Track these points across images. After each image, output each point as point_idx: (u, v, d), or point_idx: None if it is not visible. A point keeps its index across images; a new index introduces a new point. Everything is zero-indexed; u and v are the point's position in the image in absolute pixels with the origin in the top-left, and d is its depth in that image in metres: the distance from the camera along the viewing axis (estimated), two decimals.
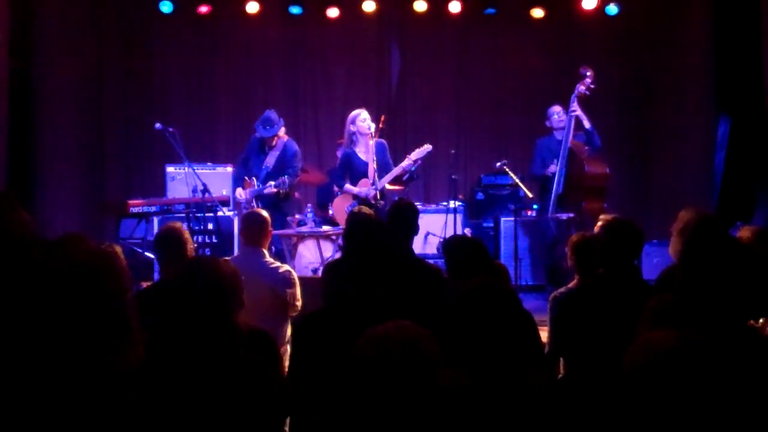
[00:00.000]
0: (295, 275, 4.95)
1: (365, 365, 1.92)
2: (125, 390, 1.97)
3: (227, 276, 2.47)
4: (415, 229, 4.50)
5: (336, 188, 7.96)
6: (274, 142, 7.87)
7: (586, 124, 8.06)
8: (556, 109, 8.36)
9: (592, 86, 8.08)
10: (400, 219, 4.45)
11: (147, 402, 2.18)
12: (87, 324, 2.02)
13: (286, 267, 5.00)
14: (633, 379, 1.71)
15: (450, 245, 4.33)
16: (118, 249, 3.97)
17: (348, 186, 7.70)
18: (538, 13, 10.13)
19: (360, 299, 2.99)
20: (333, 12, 10.13)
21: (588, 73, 8.13)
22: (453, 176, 8.56)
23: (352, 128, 7.70)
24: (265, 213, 5.18)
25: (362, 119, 7.71)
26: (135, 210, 7.79)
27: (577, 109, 8.04)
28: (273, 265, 4.92)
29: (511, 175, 8.29)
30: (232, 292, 2.46)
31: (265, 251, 5.01)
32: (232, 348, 2.36)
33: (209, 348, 2.31)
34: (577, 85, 8.06)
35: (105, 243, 4.17)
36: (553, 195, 8.00)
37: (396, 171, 7.57)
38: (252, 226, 5.08)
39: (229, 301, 2.44)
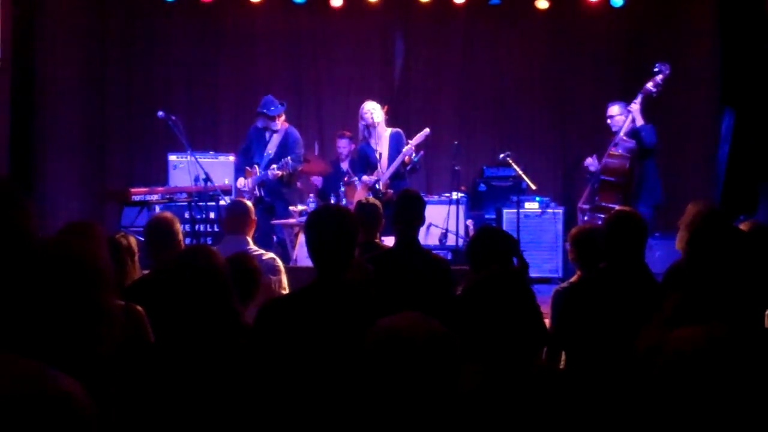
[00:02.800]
0: (279, 262, 4.94)
1: (378, 357, 1.90)
2: (109, 374, 1.95)
3: (222, 264, 2.47)
4: (421, 220, 4.48)
5: (347, 179, 8.04)
6: (278, 126, 7.87)
7: (638, 122, 7.86)
8: (611, 112, 8.16)
9: (661, 85, 7.87)
10: (406, 209, 4.43)
11: (149, 386, 2.18)
12: (62, 311, 1.99)
13: (270, 254, 4.99)
14: (664, 378, 1.69)
15: (476, 235, 4.26)
16: (133, 240, 4.00)
17: (364, 177, 7.79)
18: (542, 4, 10.08)
19: (318, 287, 3.00)
20: (336, 1, 10.09)
21: (661, 70, 7.89)
22: (456, 167, 8.54)
23: (361, 122, 7.76)
24: (248, 202, 5.21)
25: (365, 111, 7.75)
26: (137, 198, 7.78)
27: (634, 105, 7.86)
28: (257, 253, 4.92)
29: (515, 166, 8.27)
30: (227, 280, 2.46)
31: (249, 239, 5.01)
32: (233, 336, 2.36)
33: (210, 335, 2.31)
34: (647, 82, 7.91)
35: (120, 233, 4.20)
36: (589, 185, 8.03)
37: (398, 159, 7.60)
38: (234, 215, 5.11)
39: (226, 288, 2.44)
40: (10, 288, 1.57)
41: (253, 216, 5.13)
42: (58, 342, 1.61)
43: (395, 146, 7.72)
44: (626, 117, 7.96)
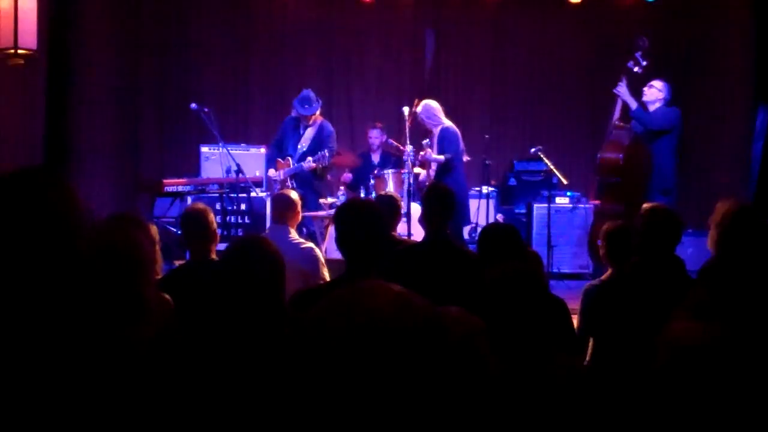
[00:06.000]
0: (318, 252, 5.01)
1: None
2: (143, 362, 1.98)
3: (279, 255, 2.50)
4: (451, 214, 4.49)
5: (376, 172, 8.30)
6: (311, 121, 7.91)
7: (632, 106, 7.56)
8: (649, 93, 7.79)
9: (642, 62, 7.62)
10: (435, 203, 4.44)
11: (189, 376, 2.20)
12: (102, 297, 2.02)
13: (309, 244, 5.08)
14: (659, 373, 1.69)
15: (483, 232, 4.32)
16: (154, 229, 4.04)
17: (419, 171, 8.10)
18: None
19: (349, 279, 3.05)
20: None
21: (638, 45, 7.61)
22: (486, 161, 8.53)
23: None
24: (294, 194, 5.28)
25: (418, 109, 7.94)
26: (169, 189, 7.85)
27: (619, 88, 7.62)
28: (296, 242, 5.00)
29: (546, 161, 8.21)
30: (283, 271, 2.49)
31: (292, 229, 5.08)
32: (280, 326, 2.38)
33: (261, 325, 2.33)
34: (628, 61, 7.67)
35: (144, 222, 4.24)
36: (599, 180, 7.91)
37: (433, 159, 7.78)
38: (277, 204, 5.27)
39: (281, 278, 2.46)
40: (59, 273, 1.60)
41: (298, 208, 5.23)
42: (102, 325, 1.63)
43: (440, 143, 7.82)
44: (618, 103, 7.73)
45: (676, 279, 3.55)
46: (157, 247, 4.07)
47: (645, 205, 4.07)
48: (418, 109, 7.92)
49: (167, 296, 3.33)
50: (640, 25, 10.12)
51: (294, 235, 5.09)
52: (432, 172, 7.85)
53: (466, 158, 8.07)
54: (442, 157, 7.74)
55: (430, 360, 1.36)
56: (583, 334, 4.07)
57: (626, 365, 3.34)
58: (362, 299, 1.35)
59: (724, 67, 9.92)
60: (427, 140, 7.93)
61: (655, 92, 7.64)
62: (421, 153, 7.92)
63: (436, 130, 7.85)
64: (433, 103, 7.93)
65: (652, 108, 7.58)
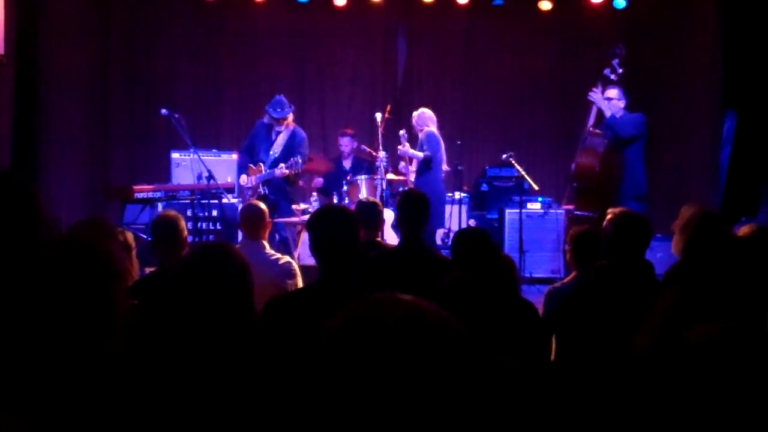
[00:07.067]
0: (296, 266, 4.95)
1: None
2: (116, 370, 1.95)
3: (245, 261, 2.49)
4: (425, 219, 4.50)
5: (349, 177, 8.45)
6: (283, 126, 7.90)
7: (606, 113, 7.54)
8: (609, 95, 7.73)
9: (619, 70, 7.63)
10: (410, 209, 4.45)
11: (160, 381, 2.19)
12: (73, 304, 2.00)
13: (286, 258, 5.00)
14: (682, 372, 1.70)
15: (457, 237, 4.33)
16: (130, 235, 4.01)
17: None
18: (546, 5, 10.11)
19: (324, 285, 3.06)
20: (340, 0, 10.11)
21: (616, 52, 7.64)
22: (458, 167, 8.58)
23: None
24: (262, 204, 5.21)
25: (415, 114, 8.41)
26: (140, 195, 7.78)
27: (593, 95, 7.62)
28: (273, 257, 4.93)
29: (517, 167, 8.28)
30: (250, 278, 2.48)
31: (265, 243, 5.02)
32: (249, 334, 2.37)
33: (229, 332, 2.32)
34: (605, 68, 7.74)
35: (117, 229, 4.21)
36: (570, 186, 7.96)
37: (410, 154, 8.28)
38: (249, 218, 5.10)
39: (249, 285, 2.45)
40: (22, 281, 1.58)
41: (268, 218, 5.13)
42: (72, 334, 1.61)
43: (422, 144, 8.15)
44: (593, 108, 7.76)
45: (645, 282, 3.59)
46: (134, 252, 4.05)
47: (614, 210, 4.10)
48: (415, 113, 8.33)
49: (135, 301, 3.31)
50: (610, 32, 10.24)
51: (269, 249, 5.01)
52: (412, 175, 8.18)
53: (445, 167, 8.20)
54: (421, 154, 8.00)
55: (456, 372, 1.35)
56: (547, 335, 4.09)
57: (593, 366, 3.36)
58: (382, 312, 1.32)
59: (692, 74, 10.04)
60: (404, 131, 8.12)
61: (615, 103, 7.70)
62: (399, 147, 8.19)
63: (422, 134, 8.15)
64: (429, 112, 8.34)
65: None
